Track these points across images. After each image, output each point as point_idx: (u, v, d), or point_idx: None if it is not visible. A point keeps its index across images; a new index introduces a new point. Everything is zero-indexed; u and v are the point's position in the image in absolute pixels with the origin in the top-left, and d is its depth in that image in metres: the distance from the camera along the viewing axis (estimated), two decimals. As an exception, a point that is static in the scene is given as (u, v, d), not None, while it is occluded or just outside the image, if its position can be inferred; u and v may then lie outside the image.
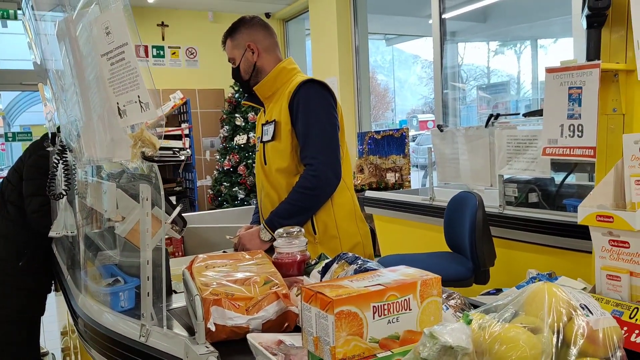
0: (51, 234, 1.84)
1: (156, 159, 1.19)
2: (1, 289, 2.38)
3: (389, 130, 5.94)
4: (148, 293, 1.21)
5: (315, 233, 1.86)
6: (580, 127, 1.36)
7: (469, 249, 2.49)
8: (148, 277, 1.21)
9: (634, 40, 1.36)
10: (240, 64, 1.96)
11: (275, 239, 1.61)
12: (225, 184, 6.44)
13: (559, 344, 0.82)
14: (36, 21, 1.60)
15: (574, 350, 0.80)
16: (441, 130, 3.31)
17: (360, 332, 0.82)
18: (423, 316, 0.88)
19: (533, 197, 2.83)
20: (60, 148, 1.64)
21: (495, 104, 7.78)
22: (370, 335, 0.83)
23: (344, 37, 6.17)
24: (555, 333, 0.82)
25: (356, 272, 1.16)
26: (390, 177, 5.82)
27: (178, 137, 6.50)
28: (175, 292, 1.58)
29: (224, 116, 6.62)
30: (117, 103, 1.19)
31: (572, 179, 2.99)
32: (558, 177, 2.94)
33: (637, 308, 0.96)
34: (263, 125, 1.96)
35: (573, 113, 1.38)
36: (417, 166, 10.72)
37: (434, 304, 0.89)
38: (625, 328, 0.94)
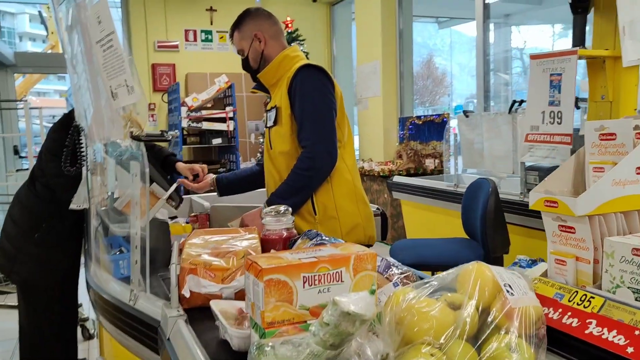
0: (72, 206, 2.00)
1: (143, 138, 1.30)
2: (20, 256, 2.42)
3: (430, 115, 5.89)
4: (136, 261, 1.33)
5: (315, 214, 1.93)
6: (559, 114, 1.36)
7: (479, 236, 2.49)
8: (136, 246, 1.33)
9: (620, 26, 1.34)
10: (248, 54, 2.04)
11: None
12: (268, 166, 6.59)
13: (479, 320, 0.87)
14: (55, 11, 1.75)
15: (491, 325, 0.85)
16: (467, 116, 3.29)
17: (290, 299, 0.89)
18: (356, 288, 0.94)
19: (554, 185, 2.77)
20: (74, 127, 1.79)
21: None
22: (301, 303, 0.90)
23: (388, 20, 6.12)
24: (477, 310, 0.87)
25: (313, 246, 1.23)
26: (430, 163, 5.78)
27: (222, 120, 6.72)
28: (176, 263, 1.70)
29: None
30: (110, 86, 1.30)
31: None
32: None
33: (577, 292, 0.98)
34: (267, 111, 2.04)
35: (554, 100, 1.38)
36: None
37: (367, 278, 0.95)
38: (560, 310, 0.96)
